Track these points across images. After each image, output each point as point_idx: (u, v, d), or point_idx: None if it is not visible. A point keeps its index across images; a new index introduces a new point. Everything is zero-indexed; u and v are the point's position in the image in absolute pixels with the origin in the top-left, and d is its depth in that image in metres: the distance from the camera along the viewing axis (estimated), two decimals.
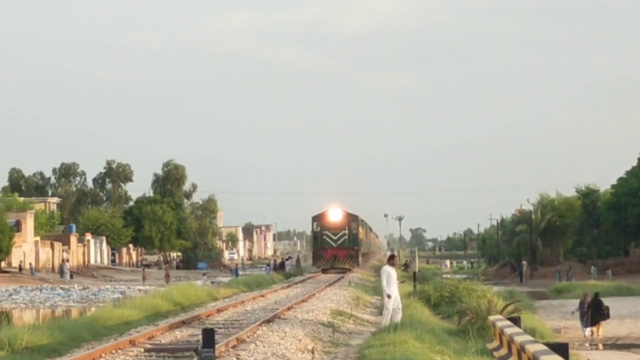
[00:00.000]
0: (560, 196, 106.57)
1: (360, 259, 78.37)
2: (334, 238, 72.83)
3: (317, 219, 75.00)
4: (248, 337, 23.86)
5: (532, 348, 8.69)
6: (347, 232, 73.63)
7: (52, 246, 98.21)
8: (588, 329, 39.72)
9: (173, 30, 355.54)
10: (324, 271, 69.38)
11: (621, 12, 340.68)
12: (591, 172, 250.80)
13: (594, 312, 39.50)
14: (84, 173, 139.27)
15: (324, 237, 73.26)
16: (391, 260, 31.25)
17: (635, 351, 35.80)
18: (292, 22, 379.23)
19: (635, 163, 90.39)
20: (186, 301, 42.67)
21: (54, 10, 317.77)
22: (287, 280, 65.13)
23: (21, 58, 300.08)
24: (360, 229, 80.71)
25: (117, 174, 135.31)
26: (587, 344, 36.87)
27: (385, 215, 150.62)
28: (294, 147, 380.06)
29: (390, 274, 29.22)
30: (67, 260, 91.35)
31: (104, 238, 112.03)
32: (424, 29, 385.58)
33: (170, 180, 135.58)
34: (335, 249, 72.15)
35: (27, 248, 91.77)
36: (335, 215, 74.21)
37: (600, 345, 37.16)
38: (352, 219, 75.31)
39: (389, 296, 28.31)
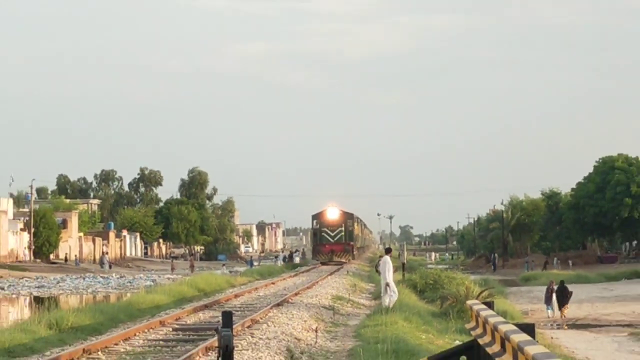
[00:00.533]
0: (528, 198, 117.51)
1: (355, 252, 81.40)
2: (332, 234, 75.97)
3: (317, 217, 78.38)
4: (261, 319, 25.47)
5: (503, 328, 9.20)
6: (343, 229, 76.46)
7: (93, 241, 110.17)
8: (550, 311, 42.11)
9: (200, 56, 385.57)
10: (322, 264, 71.94)
11: (582, 41, 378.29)
12: (555, 177, 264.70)
13: (560, 297, 41.66)
14: (121, 178, 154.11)
15: (323, 233, 76.63)
16: (389, 252, 35.27)
17: (591, 330, 38.15)
18: (301, 51, 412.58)
19: (592, 170, 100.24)
20: (208, 288, 44.83)
21: (104, 36, 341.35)
22: (294, 270, 68.59)
23: (70, 81, 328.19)
24: (355, 225, 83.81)
25: (149, 179, 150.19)
26: (550, 324, 39.54)
27: (378, 214, 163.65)
28: (301, 155, 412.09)
29: (389, 262, 31.80)
30: (107, 253, 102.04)
31: (137, 234, 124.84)
32: (412, 55, 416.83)
33: (194, 184, 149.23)
34: (333, 244, 75.29)
35: (72, 243, 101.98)
36: (332, 214, 77.57)
37: (565, 326, 39.27)
38: (348, 217, 78.54)
39: (387, 285, 30.47)
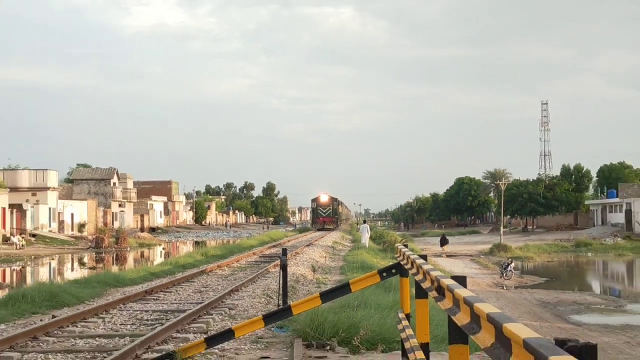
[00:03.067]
0: (424, 196, 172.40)
1: (339, 223, 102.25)
2: (323, 211, 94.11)
3: (314, 200, 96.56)
4: (299, 252, 38.08)
5: (412, 256, 9.64)
6: (331, 207, 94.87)
7: (222, 216, 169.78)
8: (441, 248, 58.92)
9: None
10: (318, 230, 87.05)
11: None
12: (433, 186, 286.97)
13: (442, 241, 60.13)
14: (235, 186, 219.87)
15: (318, 210, 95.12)
16: (365, 222, 55.48)
17: (453, 258, 54.29)
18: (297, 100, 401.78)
19: (453, 182, 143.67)
20: (275, 237, 65.04)
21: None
22: (317, 230, 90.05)
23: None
24: (339, 206, 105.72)
25: (249, 187, 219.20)
26: (437, 255, 53.18)
27: (354, 203, 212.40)
28: (317, 166, 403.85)
29: (366, 227, 49.10)
30: (228, 221, 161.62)
31: (243, 212, 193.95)
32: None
33: (269, 189, 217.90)
34: (324, 218, 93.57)
35: (212, 217, 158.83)
36: (324, 198, 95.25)
37: (444, 255, 55.42)
38: (334, 200, 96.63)
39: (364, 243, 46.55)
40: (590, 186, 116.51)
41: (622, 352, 17.09)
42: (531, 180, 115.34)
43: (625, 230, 79.15)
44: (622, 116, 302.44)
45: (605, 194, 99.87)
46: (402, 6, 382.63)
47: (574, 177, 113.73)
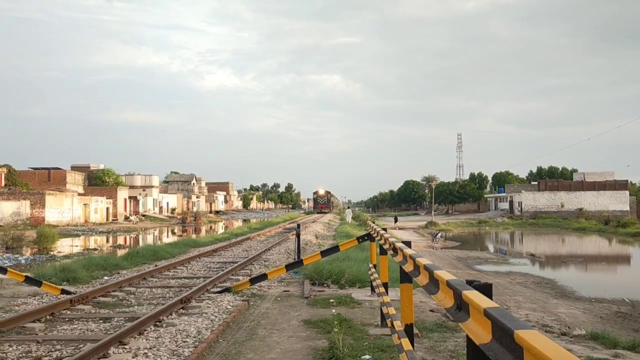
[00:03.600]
0: (385, 192, 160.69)
1: (332, 209, 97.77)
2: (321, 200, 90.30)
3: (315, 193, 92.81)
4: (307, 226, 37.48)
5: (377, 228, 9.14)
6: (326, 198, 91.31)
7: (260, 204, 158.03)
8: (394, 224, 56.43)
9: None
10: (317, 213, 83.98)
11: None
12: (390, 184, 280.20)
13: (395, 219, 58.60)
14: (267, 185, 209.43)
15: (317, 200, 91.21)
16: (349, 207, 52.91)
17: (404, 230, 50.51)
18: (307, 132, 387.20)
19: (402, 183, 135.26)
20: (293, 217, 61.98)
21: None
22: (317, 213, 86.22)
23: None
24: (332, 197, 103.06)
25: (277, 185, 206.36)
26: (392, 229, 50.55)
27: (342, 196, 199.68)
28: (319, 173, 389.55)
29: (349, 211, 48.91)
30: (264, 207, 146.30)
31: (273, 202, 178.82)
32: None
33: (290, 188, 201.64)
34: (322, 205, 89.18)
35: (254, 205, 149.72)
36: (321, 191, 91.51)
37: (397, 228, 51.73)
38: (328, 192, 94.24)
39: (348, 221, 45.46)
40: (488, 186, 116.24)
41: (507, 288, 17.14)
42: (451, 182, 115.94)
43: (509, 213, 78.77)
44: (507, 142, 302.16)
45: (497, 190, 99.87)
46: (371, 74, 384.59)
47: (477, 180, 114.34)
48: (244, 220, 70.29)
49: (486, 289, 2.69)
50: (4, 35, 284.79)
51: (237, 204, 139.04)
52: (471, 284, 2.78)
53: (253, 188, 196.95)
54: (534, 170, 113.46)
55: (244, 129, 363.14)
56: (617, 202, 75.63)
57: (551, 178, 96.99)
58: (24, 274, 11.10)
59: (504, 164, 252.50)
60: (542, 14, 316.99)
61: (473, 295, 2.51)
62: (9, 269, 10.69)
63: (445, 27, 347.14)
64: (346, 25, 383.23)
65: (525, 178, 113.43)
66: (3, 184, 51.89)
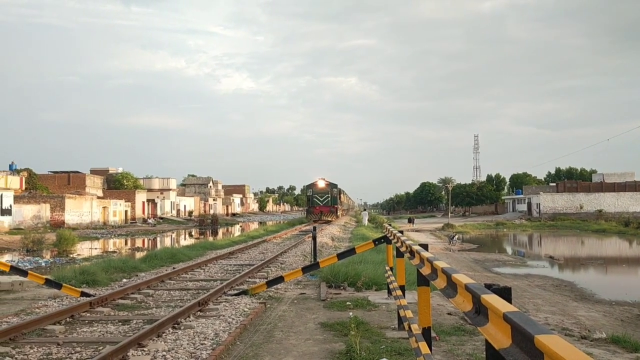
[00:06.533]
0: (401, 194, 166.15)
1: (339, 213, 55.78)
2: (321, 198, 51.47)
3: (310, 187, 52.97)
4: (323, 229, 36.23)
5: (393, 231, 9.08)
6: (330, 195, 51.58)
7: (276, 206, 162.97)
8: (409, 225, 57.50)
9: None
10: (315, 222, 45.72)
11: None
12: (406, 187, 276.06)
13: (409, 220, 59.99)
14: (284, 187, 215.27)
15: (314, 198, 51.78)
16: (365, 210, 52.29)
17: (421, 232, 51.17)
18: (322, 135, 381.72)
19: (418, 185, 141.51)
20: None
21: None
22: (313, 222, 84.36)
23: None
24: (342, 195, 61.12)
25: (292, 188, 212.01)
26: (407, 231, 50.85)
27: (358, 198, 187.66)
28: (334, 174, 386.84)
29: (365, 213, 47.51)
30: (280, 210, 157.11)
31: (289, 204, 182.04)
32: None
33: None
34: (322, 207, 51.18)
35: (270, 207, 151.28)
36: (322, 183, 52.27)
37: (413, 230, 52.38)
38: (333, 186, 52.54)
39: (364, 223, 43.35)
40: (505, 187, 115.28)
41: (525, 290, 16.92)
42: (468, 183, 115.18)
43: (527, 215, 78.04)
44: (525, 143, 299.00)
45: (515, 192, 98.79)
46: (386, 76, 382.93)
47: (495, 181, 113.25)
48: (260, 223, 70.15)
49: (505, 293, 2.66)
50: (24, 42, 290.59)
51: (254, 206, 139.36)
52: (490, 287, 2.74)
53: (269, 190, 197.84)
54: (552, 172, 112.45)
55: (260, 132, 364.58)
56: (638, 203, 74.56)
57: (570, 179, 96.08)
58: (44, 276, 11.23)
59: (521, 166, 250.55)
60: (559, 15, 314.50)
61: (492, 299, 2.48)
62: (29, 271, 10.79)
63: (460, 28, 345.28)
64: (361, 27, 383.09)
65: (543, 179, 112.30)
66: (24, 187, 52.65)
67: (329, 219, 49.79)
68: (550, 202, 76.29)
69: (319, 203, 51.30)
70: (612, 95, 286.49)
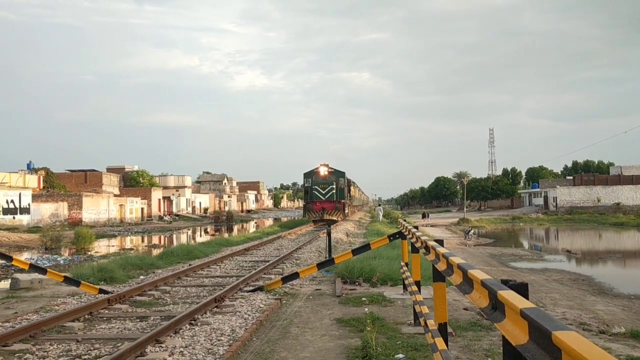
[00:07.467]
0: (416, 189, 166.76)
1: (347, 211, 43.44)
2: (322, 191, 40.15)
3: (310, 175, 40.89)
4: (339, 224, 36.11)
5: (408, 226, 9.04)
6: (334, 187, 40.08)
7: (291, 202, 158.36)
8: (422, 220, 57.25)
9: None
10: (314, 222, 38.96)
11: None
12: (421, 181, 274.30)
13: (423, 215, 59.91)
14: (295, 185, 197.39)
15: (313, 190, 40.45)
16: (380, 205, 51.63)
17: (436, 227, 50.32)
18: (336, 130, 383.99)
19: (433, 180, 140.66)
20: None
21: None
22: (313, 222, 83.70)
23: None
24: (352, 187, 50.24)
25: (300, 189, 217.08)
26: (422, 226, 50.00)
27: (373, 194, 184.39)
28: (348, 170, 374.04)
29: (380, 208, 47.41)
30: (293, 206, 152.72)
31: (302, 200, 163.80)
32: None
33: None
34: (323, 202, 39.90)
35: (284, 203, 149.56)
36: (323, 171, 40.61)
37: (429, 226, 51.41)
38: (339, 174, 40.88)
39: (379, 219, 43.06)
40: (521, 181, 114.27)
41: (542, 285, 16.77)
42: (483, 177, 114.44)
43: (544, 209, 77.28)
44: (541, 136, 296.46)
45: (531, 186, 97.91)
46: (400, 70, 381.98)
47: (511, 175, 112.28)
48: (275, 219, 70.09)
49: (522, 289, 2.64)
50: (42, 42, 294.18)
51: (268, 202, 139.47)
52: (506, 283, 2.73)
53: (283, 187, 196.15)
54: (569, 165, 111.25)
55: (273, 128, 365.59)
56: None
57: (587, 172, 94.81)
58: (63, 274, 11.40)
59: (538, 159, 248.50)
60: (575, 5, 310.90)
61: (509, 295, 2.46)
62: (48, 269, 10.99)
63: (475, 21, 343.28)
64: (374, 22, 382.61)
65: (560, 173, 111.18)
66: (41, 186, 53.32)
67: (333, 218, 38.75)
68: (567, 195, 75.49)
69: (320, 197, 39.94)
70: (629, 86, 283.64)
